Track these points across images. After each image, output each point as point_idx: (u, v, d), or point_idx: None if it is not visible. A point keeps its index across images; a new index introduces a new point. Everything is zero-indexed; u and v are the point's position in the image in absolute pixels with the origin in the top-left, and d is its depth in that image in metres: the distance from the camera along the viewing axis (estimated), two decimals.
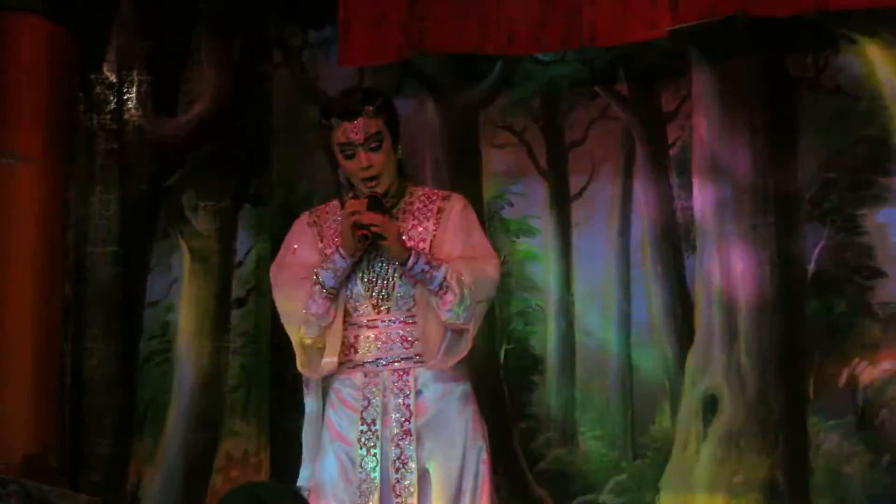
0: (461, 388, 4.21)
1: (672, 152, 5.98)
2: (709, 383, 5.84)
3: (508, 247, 6.09)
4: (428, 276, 4.07)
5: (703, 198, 5.91)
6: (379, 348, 4.17)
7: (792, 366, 5.74)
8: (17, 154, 6.12)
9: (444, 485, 4.13)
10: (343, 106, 4.14)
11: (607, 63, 6.04)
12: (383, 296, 4.17)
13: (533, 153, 6.16)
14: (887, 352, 5.62)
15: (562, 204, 6.11)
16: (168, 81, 6.49)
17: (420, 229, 4.18)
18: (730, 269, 5.84)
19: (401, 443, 4.13)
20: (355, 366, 4.18)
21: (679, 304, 5.94)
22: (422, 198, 4.24)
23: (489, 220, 6.02)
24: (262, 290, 6.20)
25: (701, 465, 5.83)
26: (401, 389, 4.15)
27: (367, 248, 4.11)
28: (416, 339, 4.14)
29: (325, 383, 4.25)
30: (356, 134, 4.10)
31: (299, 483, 4.27)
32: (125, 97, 6.44)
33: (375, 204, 4.08)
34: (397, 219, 4.16)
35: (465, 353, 4.13)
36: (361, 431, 4.15)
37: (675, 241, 5.95)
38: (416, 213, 4.21)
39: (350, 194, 4.20)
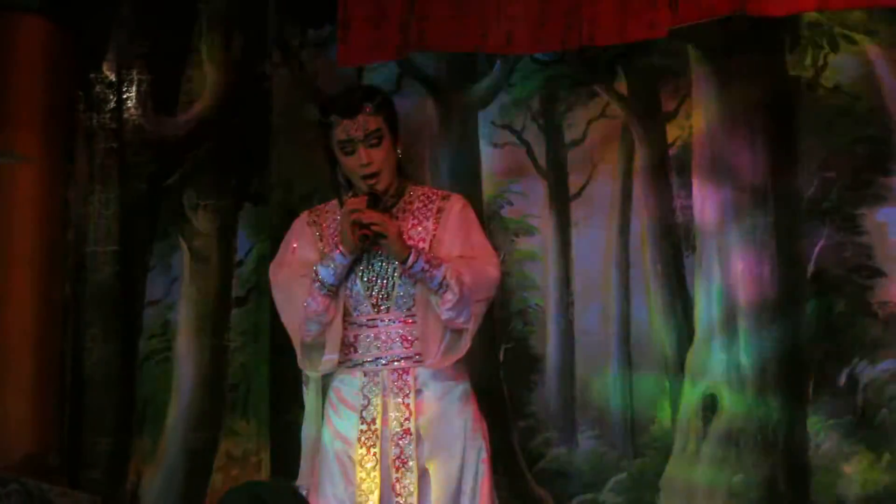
0: (461, 388, 4.21)
1: (672, 152, 5.97)
2: (708, 383, 5.84)
3: (508, 246, 6.09)
4: (428, 275, 4.07)
5: (702, 197, 5.90)
6: (378, 347, 4.17)
7: (792, 365, 5.74)
8: (17, 153, 6.12)
9: (443, 484, 4.13)
10: (343, 104, 4.14)
11: (607, 63, 6.04)
12: (383, 295, 4.17)
13: (532, 152, 6.15)
14: (887, 351, 5.62)
15: (561, 203, 6.10)
16: (168, 81, 6.48)
17: (419, 229, 4.18)
18: (730, 268, 5.83)
19: (400, 442, 4.13)
20: (355, 365, 4.18)
21: (679, 303, 5.93)
22: (421, 197, 4.24)
23: (488, 219, 6.01)
24: (262, 289, 6.19)
25: (701, 465, 5.83)
26: (400, 389, 4.15)
27: (367, 247, 4.12)
28: (416, 339, 4.14)
29: (325, 382, 4.26)
30: (356, 131, 4.10)
31: (299, 482, 4.27)
32: (125, 96, 6.44)
33: (375, 202, 4.09)
34: (397, 218, 4.16)
35: (464, 352, 4.14)
36: (361, 431, 4.15)
37: (675, 241, 5.94)
38: (416, 213, 4.21)
39: (350, 193, 4.21)
